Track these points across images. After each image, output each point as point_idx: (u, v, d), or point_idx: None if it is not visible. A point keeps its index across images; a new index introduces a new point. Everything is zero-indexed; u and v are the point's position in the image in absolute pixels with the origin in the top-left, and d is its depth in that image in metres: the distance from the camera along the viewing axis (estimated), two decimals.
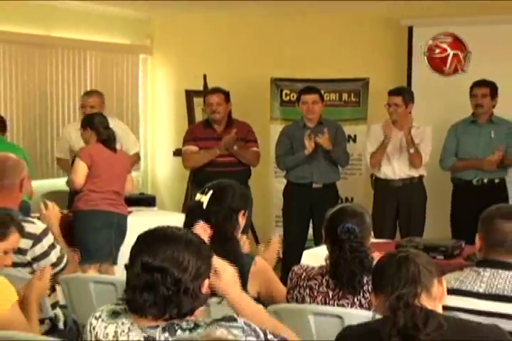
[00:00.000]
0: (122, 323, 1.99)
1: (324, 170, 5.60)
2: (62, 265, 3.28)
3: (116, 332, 1.99)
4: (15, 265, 3.07)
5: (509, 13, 5.87)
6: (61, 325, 3.25)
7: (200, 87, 6.62)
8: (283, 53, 6.86)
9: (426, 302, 2.02)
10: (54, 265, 3.22)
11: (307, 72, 6.47)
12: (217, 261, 2.15)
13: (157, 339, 1.93)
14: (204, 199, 2.81)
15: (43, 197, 4.95)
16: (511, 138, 5.48)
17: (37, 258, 3.19)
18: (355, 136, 6.43)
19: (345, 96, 6.50)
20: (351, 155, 5.88)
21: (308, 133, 5.48)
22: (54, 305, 3.25)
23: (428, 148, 5.47)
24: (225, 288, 2.18)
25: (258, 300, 2.84)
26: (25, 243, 3.11)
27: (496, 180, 5.47)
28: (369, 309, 2.61)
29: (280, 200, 5.91)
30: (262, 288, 2.84)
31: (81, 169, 4.90)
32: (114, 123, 5.79)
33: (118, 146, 5.59)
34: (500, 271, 2.52)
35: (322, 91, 5.76)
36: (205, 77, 6.67)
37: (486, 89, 5.39)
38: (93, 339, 2.04)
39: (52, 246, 3.24)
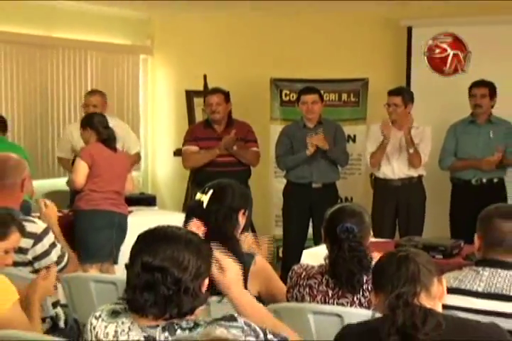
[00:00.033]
0: (122, 323, 2.00)
1: (324, 170, 5.61)
2: (63, 264, 3.29)
3: (116, 332, 2.00)
4: (16, 264, 3.08)
5: (508, 14, 5.87)
6: (62, 324, 3.25)
7: (201, 87, 6.63)
8: (283, 53, 6.86)
9: (425, 301, 2.03)
10: (55, 264, 3.22)
11: (307, 73, 6.47)
12: (224, 258, 2.17)
13: (157, 338, 1.93)
14: (204, 198, 2.81)
15: (44, 197, 4.97)
16: (510, 138, 5.49)
17: (38, 258, 3.20)
18: (354, 135, 6.43)
19: (344, 96, 6.50)
20: (351, 155, 5.89)
21: (311, 134, 5.50)
22: (55, 304, 3.25)
23: (427, 149, 5.48)
24: (229, 285, 2.19)
25: (258, 298, 2.85)
26: (26, 242, 3.12)
27: (495, 180, 5.49)
28: (368, 308, 2.61)
29: (280, 200, 5.92)
30: (262, 286, 2.85)
31: (82, 169, 4.90)
32: (115, 123, 5.81)
33: (119, 146, 5.61)
34: (499, 270, 2.53)
35: (322, 92, 5.77)
36: (205, 77, 6.68)
37: (485, 89, 5.41)
38: (93, 338, 2.04)
39: (53, 245, 3.26)
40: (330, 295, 2.77)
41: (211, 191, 2.83)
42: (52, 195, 5.87)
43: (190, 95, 6.96)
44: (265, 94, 6.68)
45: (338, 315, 2.65)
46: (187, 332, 1.93)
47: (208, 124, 5.86)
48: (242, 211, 2.86)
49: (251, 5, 6.47)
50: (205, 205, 2.80)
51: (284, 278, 2.96)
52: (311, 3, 6.25)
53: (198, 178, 5.84)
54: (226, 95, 5.79)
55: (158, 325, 1.95)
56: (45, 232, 3.24)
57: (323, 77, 6.39)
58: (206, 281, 2.01)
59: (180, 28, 7.30)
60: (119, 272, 4.59)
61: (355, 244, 2.72)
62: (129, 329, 1.98)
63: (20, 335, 2.48)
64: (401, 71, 6.38)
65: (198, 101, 6.72)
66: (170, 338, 1.92)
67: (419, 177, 5.60)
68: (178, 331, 1.93)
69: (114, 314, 2.03)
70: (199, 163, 5.80)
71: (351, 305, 2.73)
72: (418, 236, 4.67)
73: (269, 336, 1.98)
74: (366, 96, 6.42)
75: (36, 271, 3.15)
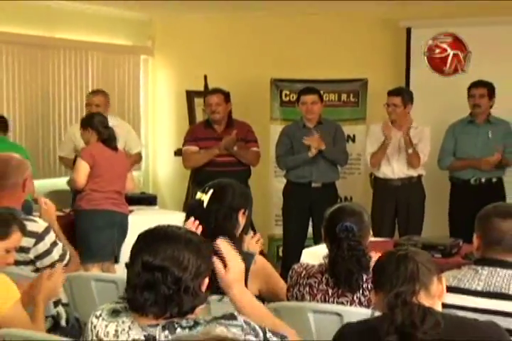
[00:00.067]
0: (123, 322, 2.00)
1: (323, 169, 5.62)
2: (64, 262, 3.29)
3: (116, 331, 2.00)
4: (17, 263, 3.10)
5: (507, 14, 5.87)
6: (63, 323, 3.27)
7: (201, 88, 6.64)
8: (283, 54, 6.87)
9: (424, 300, 2.03)
10: (57, 261, 3.24)
11: (307, 73, 6.48)
12: (229, 256, 2.17)
13: (157, 337, 1.94)
14: (204, 198, 2.82)
15: (46, 196, 4.97)
16: (508, 138, 5.51)
17: (40, 256, 3.22)
18: (354, 135, 6.45)
19: (344, 96, 6.51)
20: (350, 154, 5.90)
21: (307, 136, 5.51)
22: (56, 303, 3.26)
23: (427, 149, 5.50)
24: (230, 283, 2.18)
25: (259, 297, 2.87)
26: (27, 241, 3.13)
27: (494, 180, 5.50)
28: (368, 307, 2.63)
29: (280, 199, 5.93)
30: (262, 285, 2.86)
31: (83, 169, 4.92)
32: (116, 123, 5.85)
33: (121, 145, 5.64)
34: (498, 269, 2.52)
35: (321, 92, 5.78)
36: (205, 77, 6.69)
37: (484, 89, 5.42)
38: (94, 337, 2.05)
39: (54, 244, 3.27)
40: (330, 294, 2.78)
41: (211, 191, 2.84)
42: (54, 195, 5.87)
43: (190, 95, 6.98)
44: (265, 94, 6.69)
45: (338, 314, 2.66)
46: (187, 330, 1.93)
47: (208, 124, 5.87)
48: (242, 210, 2.87)
49: (251, 6, 6.48)
50: (205, 205, 2.81)
51: (284, 277, 2.96)
52: (310, 4, 6.27)
53: (198, 178, 5.86)
54: (226, 95, 5.80)
55: (158, 324, 1.95)
56: (47, 231, 3.26)
57: (323, 77, 6.41)
58: (206, 280, 2.01)
59: (180, 28, 7.30)
60: (120, 271, 4.61)
61: (355, 243, 2.74)
62: (129, 328, 1.98)
63: (22, 334, 2.48)
64: (400, 71, 6.39)
65: (198, 102, 6.73)
66: (170, 337, 1.93)
67: (419, 177, 5.61)
68: (178, 330, 1.93)
69: (115, 313, 2.03)
70: (199, 163, 5.81)
71: (351, 304, 2.74)
72: (417, 236, 4.70)
73: (269, 334, 1.99)
74: (365, 96, 6.43)
75: (38, 270, 3.17)
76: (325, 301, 2.78)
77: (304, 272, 2.86)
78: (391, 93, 5.50)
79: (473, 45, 6.17)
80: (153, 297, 1.93)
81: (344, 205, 2.95)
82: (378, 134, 5.59)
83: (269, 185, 6.62)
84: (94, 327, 2.05)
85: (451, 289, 2.41)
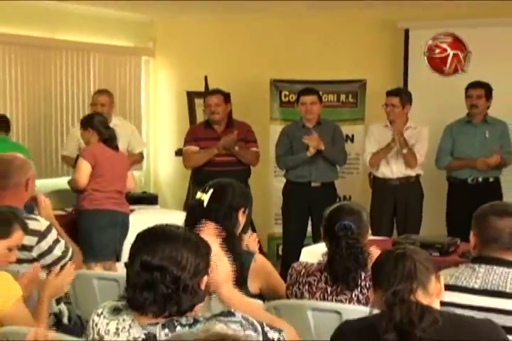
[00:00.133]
0: (123, 320, 2.02)
1: (323, 169, 5.64)
2: (67, 258, 3.30)
3: (117, 329, 2.01)
4: (20, 261, 3.07)
5: (505, 16, 5.89)
6: (65, 320, 3.27)
7: (202, 88, 6.66)
8: (282, 55, 6.88)
9: (422, 298, 2.03)
10: (60, 258, 3.26)
11: (306, 74, 6.49)
12: (216, 256, 2.16)
13: (157, 335, 1.95)
14: (205, 197, 2.84)
15: (48, 196, 4.98)
16: (505, 138, 5.53)
17: (42, 254, 3.21)
18: (352, 135, 6.46)
19: (343, 97, 6.53)
20: (349, 154, 5.92)
21: (307, 136, 5.54)
22: (59, 301, 3.28)
23: (423, 149, 5.52)
24: (218, 285, 2.21)
25: (260, 295, 2.89)
26: (30, 240, 3.13)
27: (491, 179, 5.52)
28: (366, 305, 2.66)
29: (280, 199, 5.95)
30: (263, 283, 2.90)
31: (85, 169, 4.93)
32: (120, 123, 5.90)
33: (124, 145, 5.67)
34: (494, 267, 2.53)
35: (320, 93, 5.79)
36: (206, 78, 6.71)
37: (481, 90, 5.44)
38: (95, 335, 2.06)
39: (56, 241, 3.27)
40: (329, 292, 2.80)
41: (211, 190, 2.87)
42: (56, 194, 5.90)
43: (191, 96, 7.00)
44: (265, 94, 6.70)
45: (337, 312, 2.68)
46: (187, 328, 1.94)
47: (208, 125, 5.89)
48: (242, 210, 2.90)
49: (250, 8, 6.49)
50: (205, 204, 2.84)
51: (283, 276, 2.99)
52: (310, 5, 6.29)
53: (198, 178, 5.88)
54: (226, 96, 5.83)
55: (158, 323, 1.96)
56: (49, 229, 3.25)
57: (322, 78, 6.41)
58: (205, 278, 2.02)
59: (181, 30, 7.31)
60: (122, 269, 4.61)
61: (353, 241, 2.77)
62: (130, 326, 1.99)
63: (24, 331, 2.45)
64: (398, 72, 6.41)
65: (199, 102, 6.73)
66: (170, 335, 1.93)
67: (417, 176, 5.63)
68: (178, 327, 1.95)
69: (116, 311, 2.05)
70: (199, 163, 5.83)
71: (349, 302, 2.76)
72: (415, 234, 4.71)
73: (266, 328, 2.02)
74: (364, 97, 6.44)
75: (43, 268, 3.19)
76: (324, 299, 2.80)
77: (303, 270, 2.88)
78: (389, 93, 5.52)
79: (473, 45, 6.17)
80: (152, 296, 1.95)
81: (343, 204, 2.96)
82: (377, 134, 5.62)
83: (269, 184, 6.64)
84: (96, 324, 2.07)
85: (448, 287, 2.41)
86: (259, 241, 3.40)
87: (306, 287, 2.84)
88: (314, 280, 2.84)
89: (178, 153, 6.55)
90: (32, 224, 3.14)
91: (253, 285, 2.87)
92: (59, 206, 5.55)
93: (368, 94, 6.42)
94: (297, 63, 6.78)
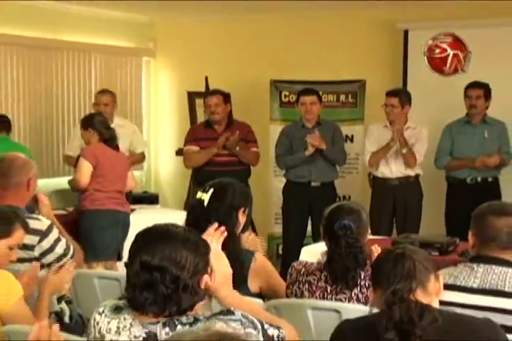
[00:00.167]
0: (124, 319, 2.02)
1: (322, 169, 5.66)
2: (68, 256, 3.32)
3: (118, 328, 2.01)
4: (22, 260, 3.11)
5: (505, 16, 5.89)
6: (67, 319, 3.27)
7: (202, 89, 6.67)
8: (282, 56, 6.89)
9: (422, 297, 2.04)
10: (62, 256, 3.28)
11: (306, 74, 6.51)
12: (214, 260, 2.14)
13: (158, 334, 1.95)
14: (205, 197, 2.86)
15: (50, 196, 4.99)
16: (504, 138, 5.55)
17: (44, 253, 3.23)
18: (352, 136, 6.47)
19: (342, 97, 6.54)
20: (348, 154, 5.94)
21: (308, 135, 5.56)
22: (60, 299, 3.30)
23: (423, 149, 5.53)
24: (217, 288, 2.19)
25: (259, 295, 2.90)
26: (32, 239, 3.16)
27: (489, 179, 5.53)
28: (366, 304, 2.68)
29: (280, 198, 5.98)
30: (263, 282, 2.90)
31: (86, 169, 4.93)
32: (122, 123, 5.93)
33: (127, 145, 5.68)
34: (493, 267, 2.54)
35: (320, 93, 5.81)
36: (206, 78, 6.72)
37: (480, 90, 5.45)
38: (97, 334, 2.06)
39: (57, 240, 3.28)
40: (328, 291, 2.81)
41: (212, 190, 2.88)
42: (58, 194, 5.94)
43: (192, 96, 7.02)
44: (265, 95, 6.72)
45: (337, 311, 2.68)
46: (187, 327, 1.94)
47: (209, 125, 5.91)
48: (243, 209, 2.91)
49: (250, 9, 6.50)
50: (205, 204, 2.85)
51: (283, 275, 2.99)
52: (309, 6, 6.31)
53: (199, 177, 5.90)
54: (225, 96, 5.85)
55: (158, 321, 1.96)
56: (50, 228, 3.27)
57: (322, 78, 6.43)
58: (205, 277, 2.02)
59: (182, 31, 7.32)
60: (123, 268, 4.62)
61: (352, 240, 2.78)
62: (131, 325, 1.99)
63: (26, 330, 2.47)
64: (398, 73, 6.41)
65: (199, 102, 6.74)
66: (171, 333, 1.93)
67: (416, 176, 5.65)
68: (179, 326, 1.95)
69: (117, 310, 2.05)
70: (199, 163, 5.85)
71: (349, 301, 2.77)
72: (415, 234, 4.71)
73: (266, 326, 2.02)
74: (364, 97, 6.46)
75: (43, 267, 3.20)
76: (323, 298, 2.81)
77: (303, 269, 2.89)
78: (389, 94, 5.53)
79: (473, 45, 6.17)
80: (152, 296, 1.95)
81: (343, 204, 2.97)
82: (377, 134, 5.64)
83: (269, 184, 6.65)
84: (97, 323, 2.07)
85: (447, 286, 2.42)
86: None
87: (306, 286, 2.85)
88: (314, 280, 2.85)
89: (179, 152, 6.57)
90: (33, 224, 3.16)
91: (253, 285, 2.87)
92: (60, 206, 5.58)
93: (367, 94, 6.43)
94: (297, 64, 6.79)
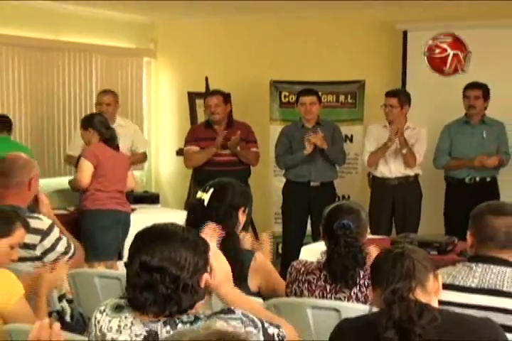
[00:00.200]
0: (125, 317, 2.02)
1: (322, 169, 5.68)
2: (70, 254, 3.35)
3: (119, 326, 2.01)
4: (24, 260, 3.14)
5: (504, 17, 5.90)
6: (68, 318, 3.28)
7: (203, 89, 6.68)
8: (282, 56, 6.89)
9: (421, 296, 2.05)
10: (63, 254, 3.30)
11: (305, 75, 6.53)
12: (213, 259, 2.14)
13: (159, 332, 1.95)
14: (205, 196, 2.87)
15: (52, 195, 5.00)
16: (502, 138, 5.56)
17: (46, 252, 3.26)
18: (351, 136, 6.49)
19: (342, 97, 6.55)
20: (348, 154, 5.95)
21: (309, 134, 5.57)
22: (60, 298, 3.31)
23: (422, 149, 5.55)
24: (217, 286, 2.19)
25: (258, 294, 2.91)
26: (33, 238, 3.19)
27: (488, 179, 5.54)
28: (365, 303, 2.68)
29: (279, 198, 5.99)
30: (262, 281, 2.91)
31: (87, 169, 4.93)
32: (124, 123, 5.95)
33: (128, 145, 5.69)
34: (491, 266, 2.55)
35: (320, 93, 5.83)
36: (207, 79, 6.73)
37: (479, 91, 5.46)
38: (98, 332, 2.07)
39: (58, 239, 3.31)
40: (328, 290, 2.82)
41: (212, 189, 2.89)
42: (59, 194, 5.95)
43: (192, 97, 7.03)
44: (265, 95, 6.73)
45: (336, 310, 2.68)
46: (188, 325, 1.94)
47: (209, 125, 5.93)
48: (242, 209, 2.93)
49: (250, 10, 6.51)
50: (206, 203, 2.86)
51: (283, 274, 3.00)
52: (309, 7, 6.32)
53: (199, 177, 5.92)
54: (225, 97, 5.86)
55: (159, 320, 1.97)
56: (51, 228, 3.30)
57: (321, 79, 6.44)
58: (204, 276, 2.02)
59: (182, 32, 7.34)
60: (123, 267, 4.62)
61: (351, 239, 2.78)
62: (132, 323, 2.00)
63: (27, 329, 2.49)
64: (397, 73, 6.41)
65: (200, 103, 6.75)
66: (171, 332, 1.93)
67: (416, 176, 5.66)
68: (180, 325, 1.95)
69: (118, 309, 2.05)
70: (199, 162, 5.87)
71: (348, 300, 2.78)
72: (414, 233, 4.69)
73: (266, 325, 2.02)
74: (363, 97, 6.46)
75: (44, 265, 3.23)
76: (323, 297, 2.82)
77: (302, 269, 2.90)
78: (388, 94, 5.55)
79: (473, 46, 6.17)
80: (152, 297, 1.95)
81: (342, 203, 2.98)
82: (376, 134, 5.66)
83: (269, 184, 6.67)
84: (98, 322, 2.07)
85: (445, 286, 2.42)
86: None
87: (306, 285, 2.86)
88: (313, 279, 2.86)
89: (179, 152, 6.58)
90: (35, 223, 3.18)
91: (253, 283, 2.88)
92: (61, 205, 5.60)
93: (366, 94, 6.44)
94: (297, 64, 6.81)
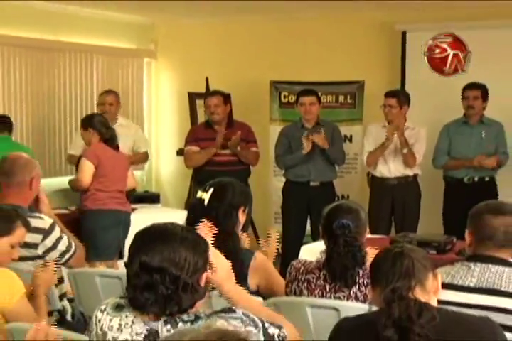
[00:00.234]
0: (126, 316, 2.02)
1: (321, 168, 5.69)
2: (71, 252, 3.36)
3: (120, 325, 2.01)
4: (25, 259, 3.15)
5: (504, 18, 5.92)
6: (69, 317, 3.31)
7: (203, 90, 6.70)
8: (282, 57, 6.90)
9: (420, 295, 2.05)
10: (64, 252, 3.32)
11: (305, 75, 6.54)
12: (213, 257, 2.15)
13: (159, 331, 1.95)
14: (205, 196, 2.88)
15: (52, 195, 5.01)
16: (501, 138, 5.58)
17: (47, 251, 3.27)
18: (351, 136, 6.51)
19: (341, 98, 6.57)
20: (347, 154, 5.96)
21: (306, 133, 5.59)
22: (61, 297, 3.33)
23: (422, 149, 5.56)
24: (220, 283, 2.19)
25: (257, 293, 2.92)
26: (35, 238, 3.20)
27: (486, 179, 5.56)
28: (364, 302, 2.70)
29: (279, 198, 6.00)
30: (262, 281, 2.91)
31: (88, 169, 4.93)
32: (126, 123, 5.96)
33: (130, 145, 5.69)
34: (490, 266, 2.55)
35: (319, 94, 5.84)
36: (207, 79, 6.75)
37: (478, 91, 5.48)
38: (99, 331, 2.06)
39: (60, 238, 3.33)
40: (327, 289, 2.83)
41: (212, 189, 2.90)
42: (60, 193, 5.95)
43: (192, 97, 7.04)
44: (265, 95, 6.75)
45: (335, 309, 2.70)
46: (188, 324, 1.95)
47: (209, 125, 5.94)
48: (242, 208, 2.93)
49: (250, 11, 6.52)
50: (206, 203, 2.87)
51: (283, 273, 3.01)
52: (309, 7, 6.33)
53: (199, 177, 5.93)
54: (225, 97, 5.87)
55: (160, 319, 1.97)
56: (52, 227, 3.31)
57: (321, 79, 6.46)
58: (204, 275, 2.02)
59: (182, 32, 7.35)
60: (124, 267, 4.62)
61: (351, 239, 2.79)
62: (133, 322, 2.00)
63: (28, 327, 2.50)
64: (396, 73, 6.43)
65: (200, 103, 6.75)
66: (172, 331, 1.94)
67: (415, 176, 5.67)
68: (180, 324, 1.95)
69: (119, 308, 2.05)
70: (200, 163, 5.88)
71: (347, 299, 2.79)
72: (413, 233, 4.70)
73: (267, 324, 2.03)
74: (362, 98, 6.48)
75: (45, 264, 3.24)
76: (322, 296, 2.83)
77: (302, 268, 2.91)
78: (387, 94, 5.56)
79: (473, 46, 6.18)
80: (153, 297, 1.95)
81: (341, 203, 2.98)
82: (375, 134, 5.67)
83: (268, 184, 6.68)
84: (99, 321, 2.07)
85: (444, 285, 2.40)
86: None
87: (305, 284, 2.87)
88: (313, 278, 2.86)
89: (180, 152, 6.59)
90: (36, 222, 3.20)
91: (252, 282, 2.89)
92: (62, 205, 5.61)
93: (365, 95, 6.46)
94: (296, 65, 6.82)
